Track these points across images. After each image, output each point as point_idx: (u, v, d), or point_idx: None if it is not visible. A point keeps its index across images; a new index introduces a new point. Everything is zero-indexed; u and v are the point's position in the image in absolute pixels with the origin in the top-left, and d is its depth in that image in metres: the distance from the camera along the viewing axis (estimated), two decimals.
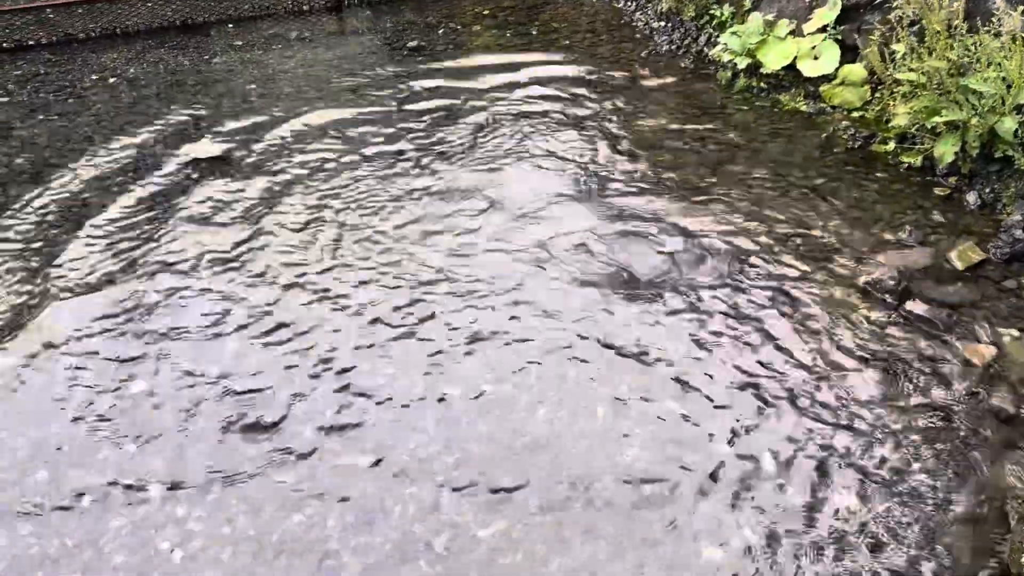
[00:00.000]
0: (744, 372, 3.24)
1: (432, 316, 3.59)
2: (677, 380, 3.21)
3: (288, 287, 3.81)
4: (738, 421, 3.02)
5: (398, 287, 3.78)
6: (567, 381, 3.22)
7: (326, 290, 3.78)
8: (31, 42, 6.75)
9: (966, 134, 4.12)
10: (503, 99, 5.61)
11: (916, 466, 2.81)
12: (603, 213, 4.29)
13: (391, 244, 4.10)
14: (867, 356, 3.27)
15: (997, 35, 4.11)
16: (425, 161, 4.86)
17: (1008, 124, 3.97)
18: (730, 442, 2.94)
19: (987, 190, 4.09)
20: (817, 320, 3.49)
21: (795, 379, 3.20)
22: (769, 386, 3.17)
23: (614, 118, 5.29)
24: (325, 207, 4.43)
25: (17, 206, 4.53)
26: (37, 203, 4.55)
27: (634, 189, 4.50)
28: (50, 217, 4.42)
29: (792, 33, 5.40)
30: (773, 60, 5.36)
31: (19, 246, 4.17)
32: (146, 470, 2.91)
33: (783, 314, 3.53)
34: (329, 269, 3.92)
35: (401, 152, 4.98)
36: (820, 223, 4.09)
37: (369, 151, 4.99)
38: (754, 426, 3.00)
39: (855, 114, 4.89)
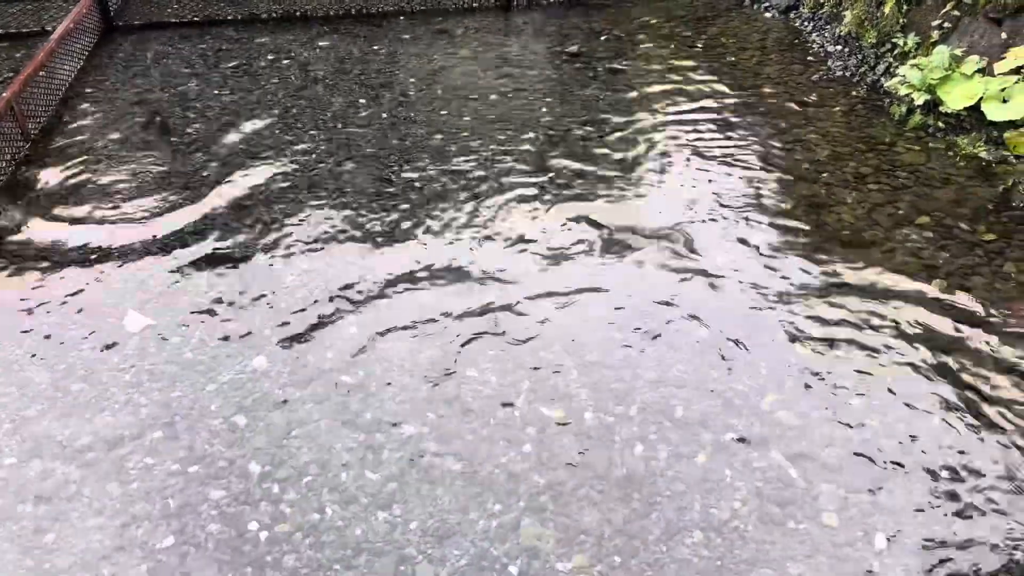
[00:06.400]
0: (856, 420, 3.00)
1: None
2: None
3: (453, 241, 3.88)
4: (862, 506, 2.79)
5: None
6: None
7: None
8: (219, 18, 7.21)
9: None
10: (654, 114, 5.46)
11: None
12: (741, 247, 4.10)
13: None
14: (1004, 443, 2.93)
15: None
16: (562, 180, 4.82)
17: None
18: (888, 541, 2.72)
19: None
20: (965, 395, 3.17)
21: (914, 443, 2.92)
22: (879, 444, 2.90)
23: (770, 144, 5.03)
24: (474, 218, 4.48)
25: (181, 173, 4.87)
26: (202, 171, 4.87)
27: (781, 224, 4.26)
28: (212, 186, 4.72)
29: (981, 71, 4.93)
30: (955, 99, 4.92)
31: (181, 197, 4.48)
32: None
33: (919, 378, 3.23)
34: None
35: (542, 171, 4.96)
36: (982, 285, 3.71)
37: (499, 164, 5.00)
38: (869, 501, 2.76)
39: None
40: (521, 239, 4.21)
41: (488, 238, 4.23)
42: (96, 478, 2.97)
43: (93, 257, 4.15)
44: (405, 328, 3.63)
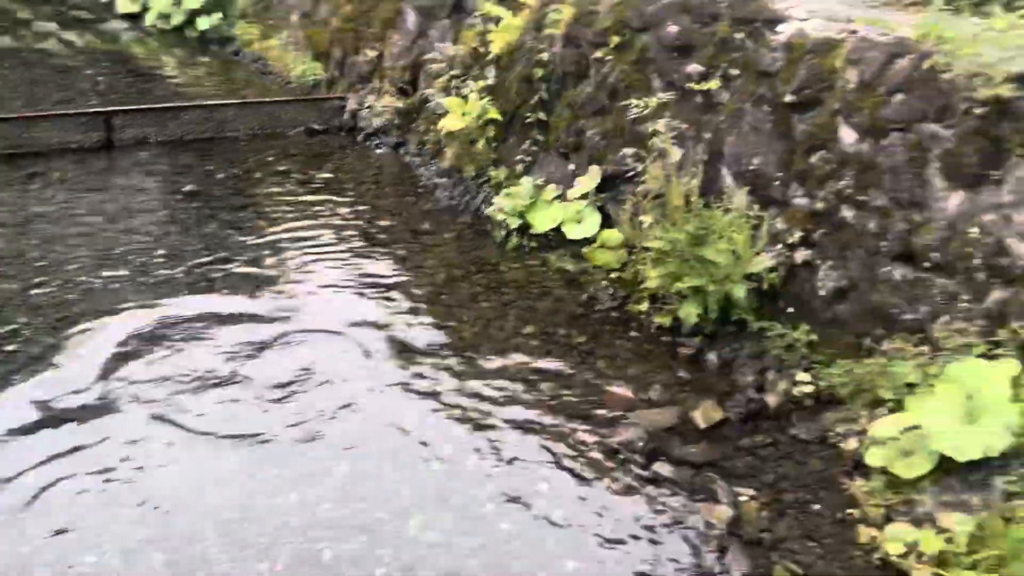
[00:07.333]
0: (491, 529, 3.23)
1: None
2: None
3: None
4: None
5: None
6: None
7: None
8: None
9: (706, 298, 4.51)
10: (276, 250, 5.53)
11: None
12: (371, 372, 4.26)
13: None
14: (613, 521, 3.35)
15: (727, 211, 4.60)
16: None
17: (739, 291, 4.40)
18: None
19: (726, 350, 4.45)
20: (569, 483, 3.56)
21: (542, 540, 3.22)
22: (514, 547, 3.16)
23: (393, 271, 5.34)
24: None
25: None
26: None
27: (409, 347, 4.51)
28: None
29: (559, 198, 5.77)
30: (542, 222, 5.68)
31: None
32: None
33: (538, 477, 3.59)
34: None
35: (158, 316, 4.74)
36: (579, 381, 4.26)
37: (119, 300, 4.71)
38: None
39: (614, 275, 5.23)
40: (130, 384, 3.96)
41: (97, 394, 3.91)
42: None
43: None
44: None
